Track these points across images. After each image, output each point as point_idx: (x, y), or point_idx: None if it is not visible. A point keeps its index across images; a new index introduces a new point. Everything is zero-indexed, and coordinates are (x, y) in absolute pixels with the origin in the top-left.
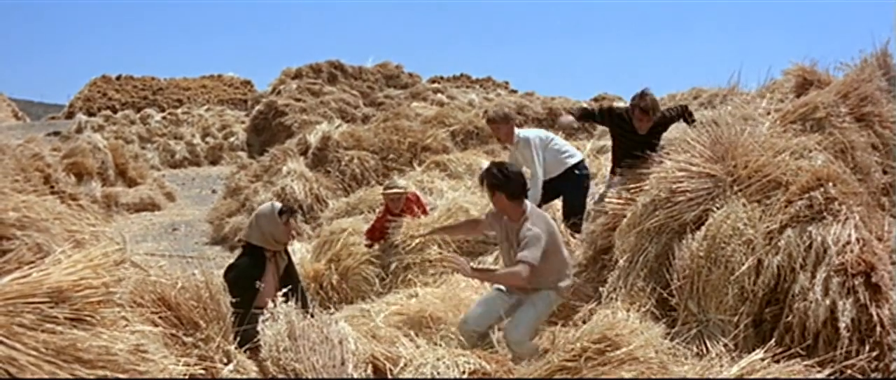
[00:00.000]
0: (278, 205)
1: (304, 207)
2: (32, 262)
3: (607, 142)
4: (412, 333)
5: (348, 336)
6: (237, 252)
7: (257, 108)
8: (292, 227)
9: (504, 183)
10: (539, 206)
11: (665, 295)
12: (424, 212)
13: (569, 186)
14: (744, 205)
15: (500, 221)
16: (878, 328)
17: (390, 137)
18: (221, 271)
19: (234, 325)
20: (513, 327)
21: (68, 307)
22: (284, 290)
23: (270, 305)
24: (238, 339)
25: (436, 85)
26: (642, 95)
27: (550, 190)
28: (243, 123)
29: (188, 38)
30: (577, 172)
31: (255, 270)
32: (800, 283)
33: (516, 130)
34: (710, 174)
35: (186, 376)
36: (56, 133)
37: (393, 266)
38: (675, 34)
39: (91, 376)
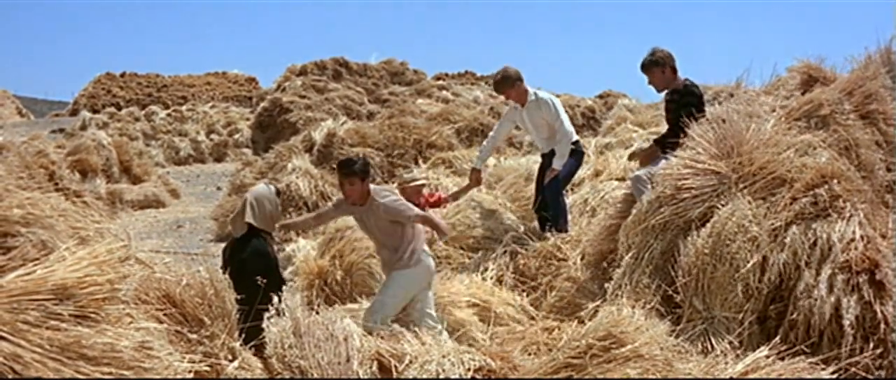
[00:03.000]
0: (274, 187)
1: (309, 204)
2: (37, 259)
3: (611, 139)
4: (416, 329)
5: (353, 333)
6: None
7: (262, 105)
8: None
9: (367, 171)
10: (541, 175)
11: (670, 292)
12: (437, 203)
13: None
14: (749, 202)
15: (351, 209)
16: (882, 326)
17: (395, 134)
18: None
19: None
20: (370, 311)
21: (73, 304)
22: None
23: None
24: (243, 335)
25: (441, 82)
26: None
27: (548, 156)
28: (248, 119)
29: (193, 35)
30: (573, 147)
31: (272, 252)
32: (804, 280)
33: (529, 90)
34: (715, 171)
35: (191, 374)
36: (60, 130)
37: None
38: (681, 31)
39: (96, 374)
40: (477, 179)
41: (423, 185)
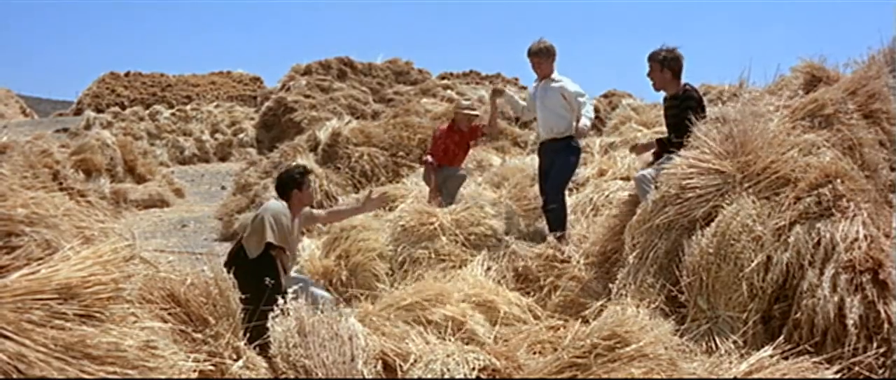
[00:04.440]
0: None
1: (313, 204)
2: (41, 258)
3: (616, 138)
4: (421, 328)
5: (358, 332)
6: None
7: (267, 104)
8: None
9: None
10: (541, 167)
11: (674, 292)
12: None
13: (566, 156)
14: (753, 201)
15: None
16: (886, 325)
17: (400, 134)
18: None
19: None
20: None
21: (77, 304)
22: (294, 287)
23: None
24: (248, 334)
25: (445, 81)
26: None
27: (547, 153)
28: (253, 119)
29: (197, 35)
30: (574, 144)
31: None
32: (808, 280)
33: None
34: (719, 171)
35: (196, 373)
36: (65, 130)
37: (402, 260)
38: (684, 31)
39: (100, 373)
40: (497, 93)
41: (477, 116)
